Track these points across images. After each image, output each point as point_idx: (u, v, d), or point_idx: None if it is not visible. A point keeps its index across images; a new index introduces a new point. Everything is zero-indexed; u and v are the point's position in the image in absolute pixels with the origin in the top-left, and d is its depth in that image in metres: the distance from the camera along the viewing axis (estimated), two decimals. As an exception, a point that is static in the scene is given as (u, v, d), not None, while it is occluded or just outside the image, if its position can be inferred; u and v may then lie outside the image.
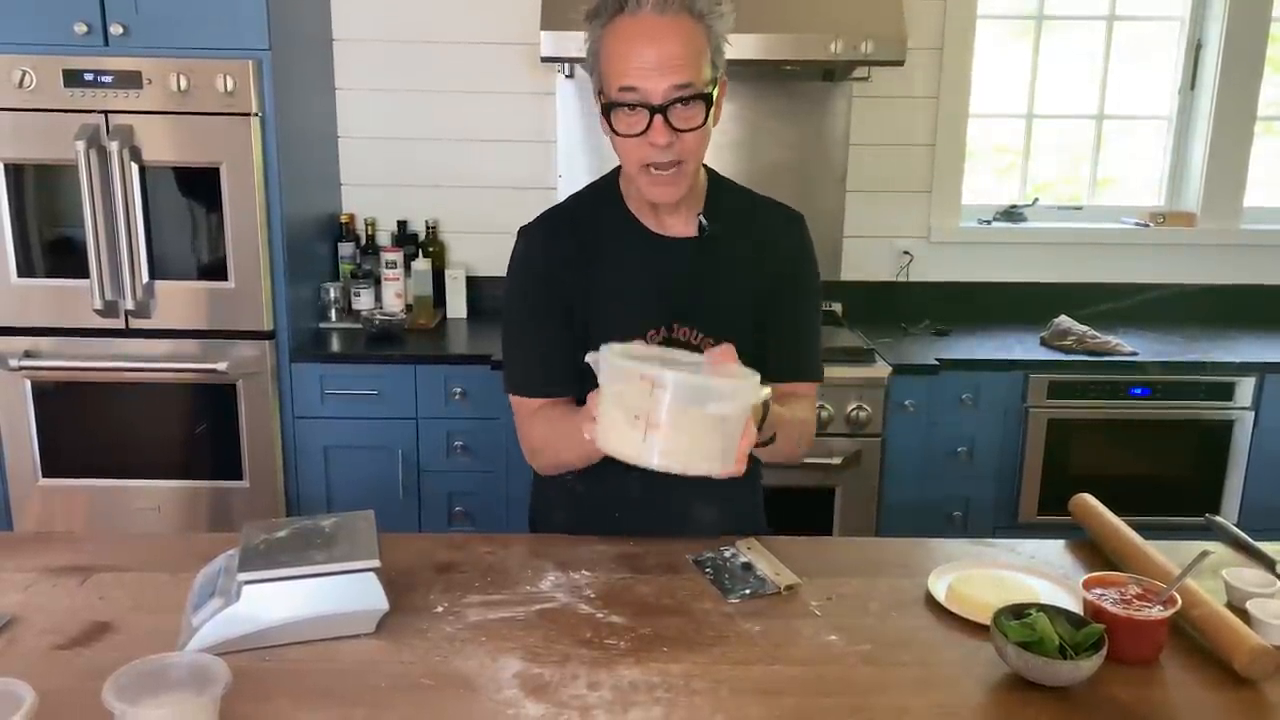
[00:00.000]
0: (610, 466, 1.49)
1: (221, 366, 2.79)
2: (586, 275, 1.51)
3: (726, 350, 1.27)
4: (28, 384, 2.83)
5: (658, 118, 1.35)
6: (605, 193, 1.55)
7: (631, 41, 1.35)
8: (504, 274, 1.59)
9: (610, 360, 1.16)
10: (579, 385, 1.47)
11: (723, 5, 1.40)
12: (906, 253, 3.42)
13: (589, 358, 1.21)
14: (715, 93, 1.40)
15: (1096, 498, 1.61)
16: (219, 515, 2.90)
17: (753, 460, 1.66)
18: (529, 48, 3.15)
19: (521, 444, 1.59)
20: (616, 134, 1.39)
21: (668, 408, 1.11)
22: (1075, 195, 3.57)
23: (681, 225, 1.52)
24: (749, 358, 1.52)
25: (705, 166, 1.55)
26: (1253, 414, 2.94)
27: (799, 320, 1.60)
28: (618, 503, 1.57)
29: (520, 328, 1.57)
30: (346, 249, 3.26)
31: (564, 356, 1.48)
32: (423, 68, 3.28)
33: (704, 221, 1.52)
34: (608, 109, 1.38)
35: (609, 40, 1.37)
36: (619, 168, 1.54)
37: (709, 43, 1.38)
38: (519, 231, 1.57)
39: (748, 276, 1.54)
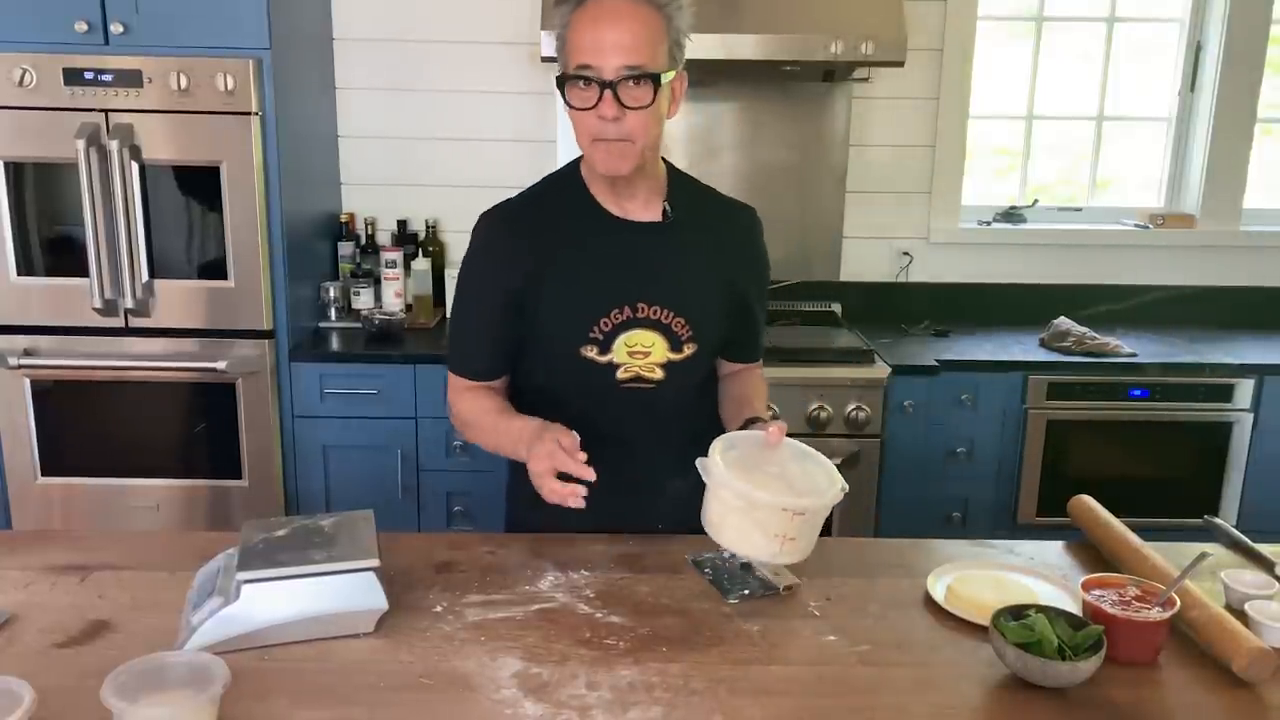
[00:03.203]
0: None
1: (221, 365, 2.79)
2: (547, 258, 1.55)
3: (782, 427, 1.42)
4: (27, 382, 2.83)
5: (607, 92, 1.42)
6: (567, 180, 1.60)
7: (592, 22, 1.43)
8: None
9: (747, 491, 1.32)
10: (511, 369, 1.62)
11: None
12: (906, 253, 3.42)
13: (699, 464, 1.37)
14: (669, 79, 1.46)
15: (1095, 499, 1.61)
16: (218, 514, 2.90)
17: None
18: (529, 48, 3.15)
19: (449, 411, 1.66)
20: (571, 107, 1.46)
21: (801, 527, 1.33)
22: (1075, 196, 3.57)
23: (641, 210, 1.57)
24: (721, 338, 1.64)
25: (665, 161, 1.61)
26: (1252, 416, 2.94)
27: (756, 309, 1.71)
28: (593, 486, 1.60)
29: (465, 311, 1.63)
30: (346, 248, 3.26)
31: (503, 343, 1.60)
32: (423, 68, 3.28)
33: (668, 207, 1.58)
34: (562, 84, 1.45)
35: (573, 24, 1.45)
36: (580, 158, 1.59)
37: (667, 33, 1.45)
38: (480, 216, 1.61)
39: (709, 261, 1.61)
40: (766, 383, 1.79)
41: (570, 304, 1.54)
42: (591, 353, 1.54)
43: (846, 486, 1.36)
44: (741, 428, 1.53)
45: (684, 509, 1.60)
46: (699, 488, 1.63)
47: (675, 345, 1.57)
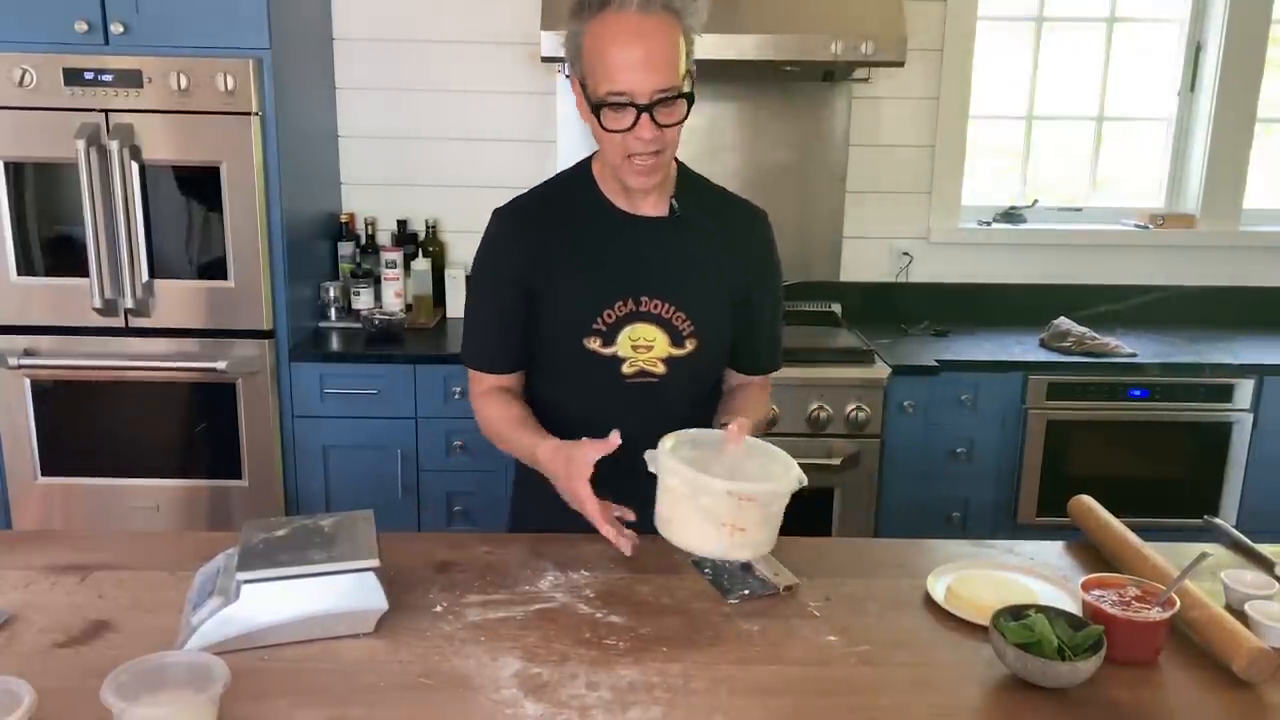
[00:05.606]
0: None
1: (221, 365, 2.79)
2: (554, 251, 1.56)
3: (743, 425, 1.40)
4: (27, 382, 2.83)
5: (644, 115, 1.41)
6: (579, 177, 1.61)
7: (617, 41, 1.39)
8: None
9: (691, 476, 1.29)
10: (525, 364, 1.63)
11: (698, 1, 1.45)
12: (906, 253, 3.42)
13: (647, 455, 1.34)
14: (691, 87, 1.45)
15: (1095, 499, 1.61)
16: (218, 514, 2.90)
17: None
18: (529, 48, 3.15)
19: (475, 414, 1.66)
20: (604, 129, 1.44)
21: (754, 515, 1.30)
22: (1075, 197, 3.57)
23: (651, 207, 1.58)
24: (726, 338, 1.63)
25: (676, 159, 1.61)
26: (1251, 416, 2.94)
27: (763, 316, 1.69)
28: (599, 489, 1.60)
29: (478, 303, 1.64)
30: (346, 248, 3.26)
31: (516, 334, 1.60)
32: (423, 67, 3.28)
33: (675, 203, 1.59)
34: (597, 109, 1.43)
35: (592, 38, 1.42)
36: (592, 155, 1.60)
37: (685, 39, 1.44)
38: (493, 213, 1.63)
39: (716, 259, 1.61)
40: (769, 397, 1.77)
41: (575, 295, 1.55)
42: (595, 344, 1.55)
43: (804, 479, 1.34)
44: None
45: None
46: None
47: (677, 340, 1.57)
